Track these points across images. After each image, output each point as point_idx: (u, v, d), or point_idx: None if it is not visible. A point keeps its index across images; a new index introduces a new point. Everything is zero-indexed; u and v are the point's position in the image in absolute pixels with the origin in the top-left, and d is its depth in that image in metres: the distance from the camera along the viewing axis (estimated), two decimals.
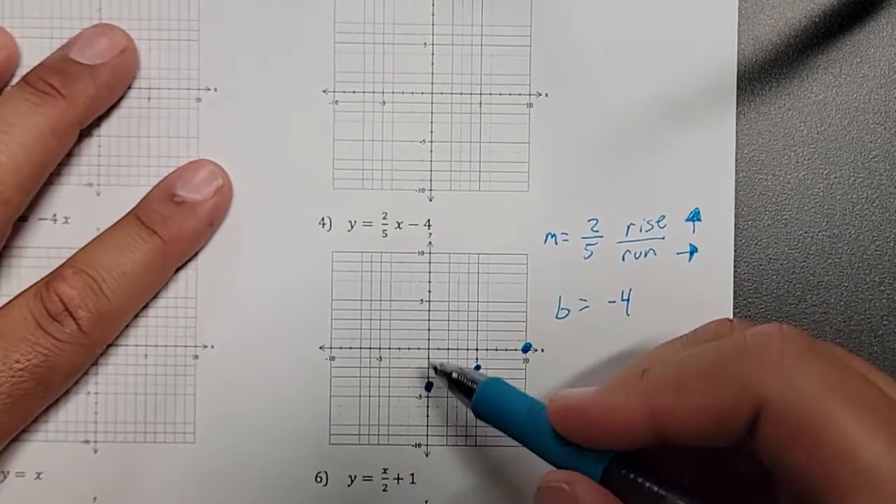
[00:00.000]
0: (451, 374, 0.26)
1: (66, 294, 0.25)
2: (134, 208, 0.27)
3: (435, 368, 0.27)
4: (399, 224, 0.28)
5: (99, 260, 0.26)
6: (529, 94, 0.28)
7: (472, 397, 0.25)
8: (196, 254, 0.28)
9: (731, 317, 0.27)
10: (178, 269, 0.28)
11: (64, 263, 0.26)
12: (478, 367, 0.28)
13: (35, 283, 0.26)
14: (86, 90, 0.26)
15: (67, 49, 0.27)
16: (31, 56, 0.27)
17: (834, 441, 0.17)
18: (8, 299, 0.26)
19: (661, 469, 0.21)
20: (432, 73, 0.28)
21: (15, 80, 0.27)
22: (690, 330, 0.24)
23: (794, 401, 0.18)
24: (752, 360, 0.19)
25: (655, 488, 0.20)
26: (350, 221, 0.28)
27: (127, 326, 0.28)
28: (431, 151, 0.28)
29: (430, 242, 0.28)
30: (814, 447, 0.18)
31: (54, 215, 0.28)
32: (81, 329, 0.25)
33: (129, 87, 0.28)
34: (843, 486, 0.17)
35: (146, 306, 0.28)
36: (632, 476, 0.20)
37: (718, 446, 0.20)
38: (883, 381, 0.19)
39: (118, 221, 0.27)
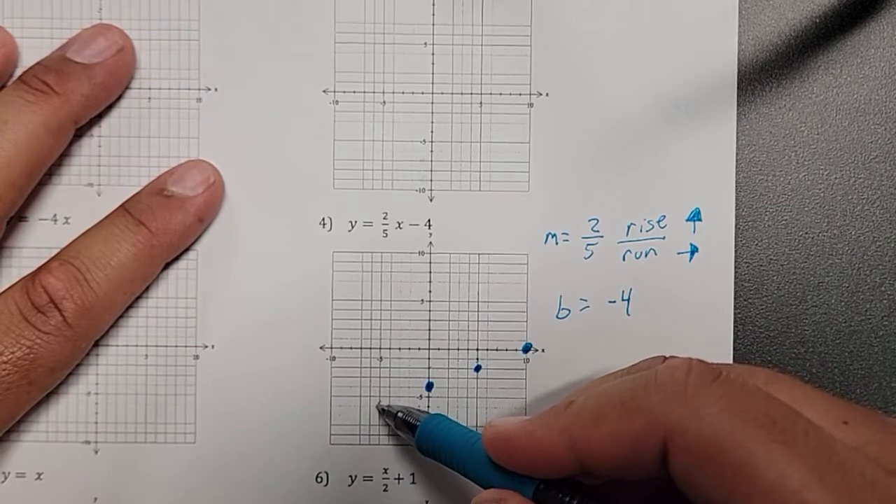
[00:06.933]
0: (396, 413, 0.26)
1: (52, 286, 0.25)
2: (124, 202, 0.27)
3: (382, 410, 0.27)
4: (399, 224, 0.28)
5: (85, 251, 0.26)
6: (529, 94, 0.28)
7: (416, 434, 0.25)
8: (196, 254, 0.28)
9: (666, 354, 0.26)
10: (167, 266, 0.27)
11: (52, 256, 0.26)
12: (478, 368, 0.28)
13: (24, 277, 0.26)
14: (80, 88, 0.26)
15: (65, 49, 0.27)
16: (32, 56, 0.27)
17: (737, 463, 0.17)
18: None
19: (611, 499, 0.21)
20: (432, 73, 0.28)
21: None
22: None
23: (697, 427, 0.18)
24: (659, 391, 0.19)
25: None
26: (350, 221, 0.28)
27: (127, 326, 0.28)
28: (431, 151, 0.28)
29: (430, 242, 0.28)
30: (720, 471, 0.18)
31: (54, 215, 0.28)
32: (66, 321, 0.25)
33: (129, 87, 0.28)
34: None
35: (147, 306, 0.28)
36: (560, 496, 0.21)
37: (640, 477, 0.20)
38: (813, 399, 0.20)
39: (108, 215, 0.27)
